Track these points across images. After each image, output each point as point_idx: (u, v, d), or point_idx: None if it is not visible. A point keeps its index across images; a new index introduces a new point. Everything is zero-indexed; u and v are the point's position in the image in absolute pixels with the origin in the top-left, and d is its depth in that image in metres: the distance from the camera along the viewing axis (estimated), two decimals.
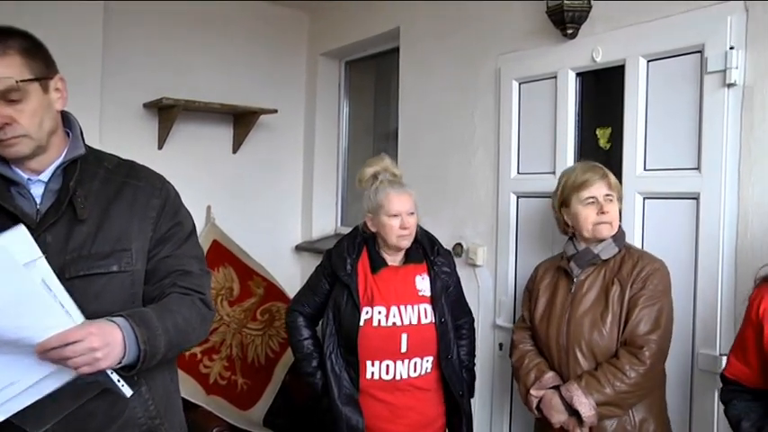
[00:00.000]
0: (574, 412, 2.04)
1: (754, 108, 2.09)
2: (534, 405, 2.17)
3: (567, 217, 2.23)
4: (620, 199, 2.22)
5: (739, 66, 2.10)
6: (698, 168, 2.24)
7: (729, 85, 2.13)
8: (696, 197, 2.24)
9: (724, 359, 1.87)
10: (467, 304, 2.58)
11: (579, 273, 2.19)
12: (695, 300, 2.22)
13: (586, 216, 2.17)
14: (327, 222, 4.31)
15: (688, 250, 2.26)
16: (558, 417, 2.09)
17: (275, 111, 3.89)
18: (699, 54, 2.22)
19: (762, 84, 2.07)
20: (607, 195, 2.15)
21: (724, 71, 2.13)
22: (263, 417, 3.50)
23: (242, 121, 3.92)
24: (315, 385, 2.38)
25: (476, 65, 3.08)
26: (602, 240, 2.17)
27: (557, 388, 2.12)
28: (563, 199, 2.25)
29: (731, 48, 2.11)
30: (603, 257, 2.16)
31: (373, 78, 4.29)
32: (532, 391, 2.16)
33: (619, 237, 2.19)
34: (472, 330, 2.57)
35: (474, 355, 2.56)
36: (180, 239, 1.52)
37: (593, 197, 2.16)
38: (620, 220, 2.22)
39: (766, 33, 2.06)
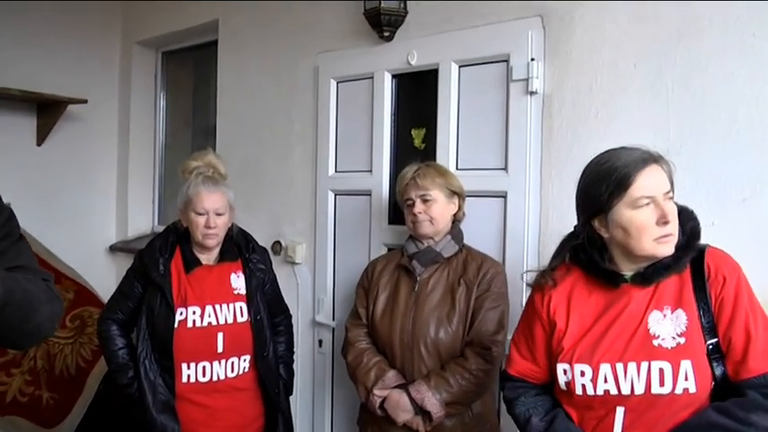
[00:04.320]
0: (422, 411, 2.11)
1: (552, 115, 2.32)
2: (377, 404, 2.19)
3: None
4: (456, 196, 2.30)
5: (539, 76, 2.33)
6: (505, 169, 2.44)
7: (531, 93, 2.34)
8: (504, 195, 2.44)
9: None
10: (284, 302, 2.60)
11: (422, 271, 2.26)
12: None
13: (406, 216, 2.31)
14: (144, 221, 4.17)
15: (497, 244, 2.46)
16: (405, 416, 2.15)
17: (85, 101, 3.70)
18: (505, 63, 2.42)
19: (558, 93, 2.31)
20: (422, 196, 2.24)
21: (527, 80, 2.34)
22: None
23: (48, 110, 3.68)
24: (132, 396, 2.29)
25: (294, 62, 3.14)
26: (428, 237, 2.27)
27: (402, 387, 2.17)
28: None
29: (532, 59, 2.33)
30: (445, 255, 2.27)
31: (192, 71, 4.19)
32: (376, 391, 2.19)
33: (456, 235, 2.30)
34: (290, 327, 2.61)
35: (292, 351, 2.59)
36: (18, 251, 1.39)
37: (409, 198, 2.28)
38: (460, 219, 2.35)
39: (561, 48, 2.30)
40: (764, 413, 1.39)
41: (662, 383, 1.45)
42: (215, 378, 2.28)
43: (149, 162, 4.17)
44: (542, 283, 1.69)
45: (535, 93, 2.34)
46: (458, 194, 2.31)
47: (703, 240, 1.61)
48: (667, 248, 1.50)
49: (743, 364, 1.45)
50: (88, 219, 4.01)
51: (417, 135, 2.76)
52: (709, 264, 1.52)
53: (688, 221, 1.57)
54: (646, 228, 1.49)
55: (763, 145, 1.92)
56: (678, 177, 1.71)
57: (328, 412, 3.05)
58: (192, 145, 4.04)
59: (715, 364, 1.47)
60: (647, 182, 1.49)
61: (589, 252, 1.60)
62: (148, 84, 4.15)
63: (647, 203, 1.49)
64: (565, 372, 1.57)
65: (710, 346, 1.47)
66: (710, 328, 1.48)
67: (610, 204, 1.52)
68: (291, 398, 2.56)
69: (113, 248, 4.10)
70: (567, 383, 1.57)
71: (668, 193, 1.51)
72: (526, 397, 1.70)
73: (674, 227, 1.50)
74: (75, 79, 3.79)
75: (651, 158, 1.52)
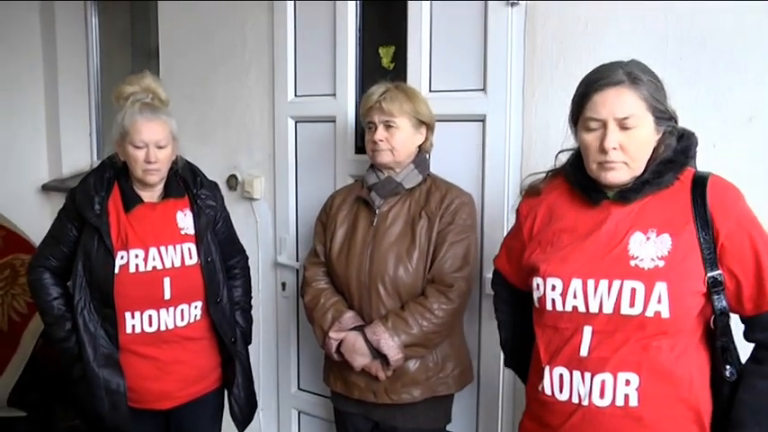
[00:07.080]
0: (379, 355, 2.07)
1: (536, 29, 2.22)
2: (334, 348, 2.17)
3: None
4: (425, 126, 2.22)
5: None
6: (484, 89, 2.35)
7: (513, 4, 2.24)
8: (483, 119, 2.36)
9: None
10: (239, 242, 2.53)
11: (381, 203, 2.21)
12: (483, 222, 2.35)
13: (367, 142, 2.23)
14: (81, 156, 4.01)
15: (475, 173, 2.39)
16: (361, 360, 2.12)
17: None
18: None
19: (543, 3, 2.20)
20: (386, 122, 2.16)
21: None
22: (8, 395, 3.17)
23: None
24: (70, 351, 2.20)
25: None
26: (388, 168, 2.19)
27: (359, 329, 2.13)
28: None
29: None
30: (407, 186, 2.19)
31: None
32: (332, 334, 2.16)
33: (420, 164, 2.22)
34: (246, 269, 2.53)
35: (250, 296, 2.53)
36: None
37: (371, 122, 2.20)
38: (427, 150, 2.27)
39: None
40: None
41: (632, 304, 1.47)
42: (163, 327, 2.19)
43: (83, 89, 3.97)
44: (531, 190, 1.77)
45: (516, 3, 2.24)
46: (426, 125, 2.23)
47: (702, 164, 1.60)
48: (611, 176, 1.52)
49: (762, 297, 1.47)
50: (14, 155, 3.83)
51: (386, 53, 2.66)
52: (711, 193, 1.50)
53: (682, 139, 1.57)
54: (590, 151, 1.54)
55: None
56: (676, 94, 1.64)
57: (294, 360, 3.02)
58: (133, 68, 3.86)
59: (716, 297, 1.48)
60: (599, 104, 1.51)
61: (577, 163, 1.64)
62: None
63: (596, 127, 1.52)
64: (538, 286, 1.62)
65: (711, 279, 1.47)
66: (711, 260, 1.47)
67: (575, 120, 1.60)
68: (253, 347, 2.51)
69: (46, 188, 3.97)
70: (540, 299, 1.61)
71: (625, 119, 1.49)
72: (500, 303, 1.90)
73: (617, 155, 1.50)
74: None
75: (621, 79, 1.50)
